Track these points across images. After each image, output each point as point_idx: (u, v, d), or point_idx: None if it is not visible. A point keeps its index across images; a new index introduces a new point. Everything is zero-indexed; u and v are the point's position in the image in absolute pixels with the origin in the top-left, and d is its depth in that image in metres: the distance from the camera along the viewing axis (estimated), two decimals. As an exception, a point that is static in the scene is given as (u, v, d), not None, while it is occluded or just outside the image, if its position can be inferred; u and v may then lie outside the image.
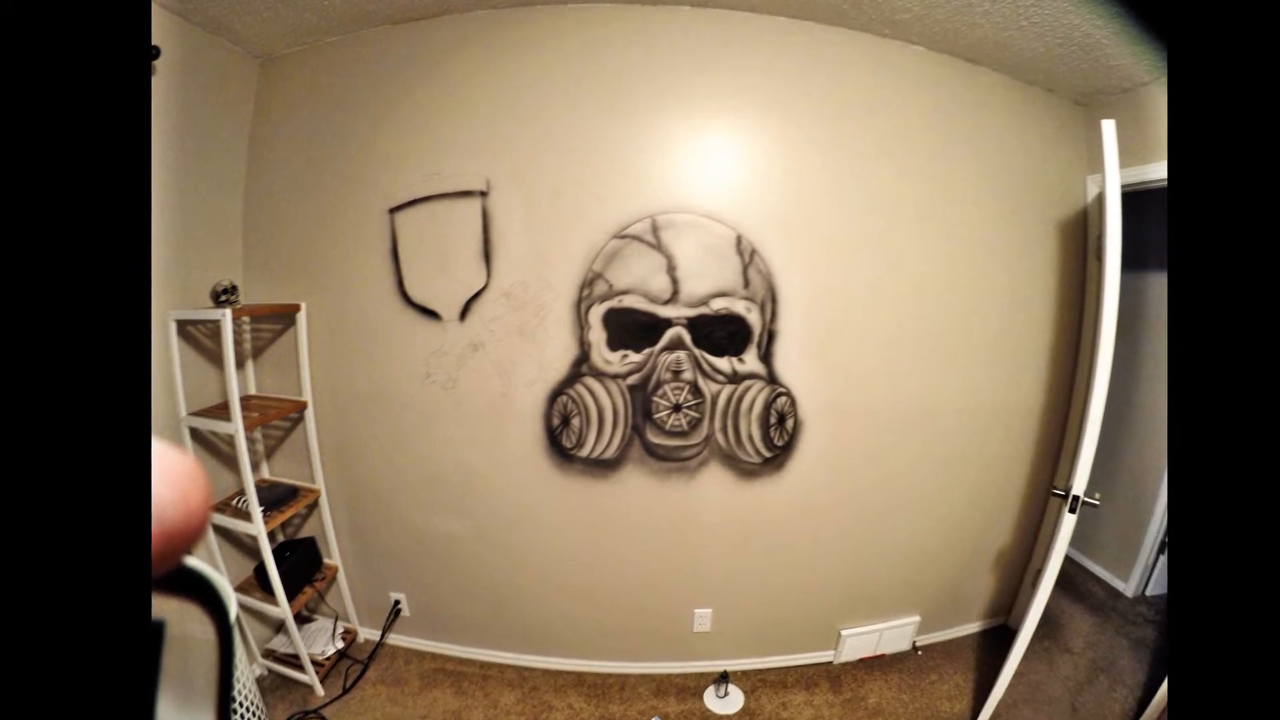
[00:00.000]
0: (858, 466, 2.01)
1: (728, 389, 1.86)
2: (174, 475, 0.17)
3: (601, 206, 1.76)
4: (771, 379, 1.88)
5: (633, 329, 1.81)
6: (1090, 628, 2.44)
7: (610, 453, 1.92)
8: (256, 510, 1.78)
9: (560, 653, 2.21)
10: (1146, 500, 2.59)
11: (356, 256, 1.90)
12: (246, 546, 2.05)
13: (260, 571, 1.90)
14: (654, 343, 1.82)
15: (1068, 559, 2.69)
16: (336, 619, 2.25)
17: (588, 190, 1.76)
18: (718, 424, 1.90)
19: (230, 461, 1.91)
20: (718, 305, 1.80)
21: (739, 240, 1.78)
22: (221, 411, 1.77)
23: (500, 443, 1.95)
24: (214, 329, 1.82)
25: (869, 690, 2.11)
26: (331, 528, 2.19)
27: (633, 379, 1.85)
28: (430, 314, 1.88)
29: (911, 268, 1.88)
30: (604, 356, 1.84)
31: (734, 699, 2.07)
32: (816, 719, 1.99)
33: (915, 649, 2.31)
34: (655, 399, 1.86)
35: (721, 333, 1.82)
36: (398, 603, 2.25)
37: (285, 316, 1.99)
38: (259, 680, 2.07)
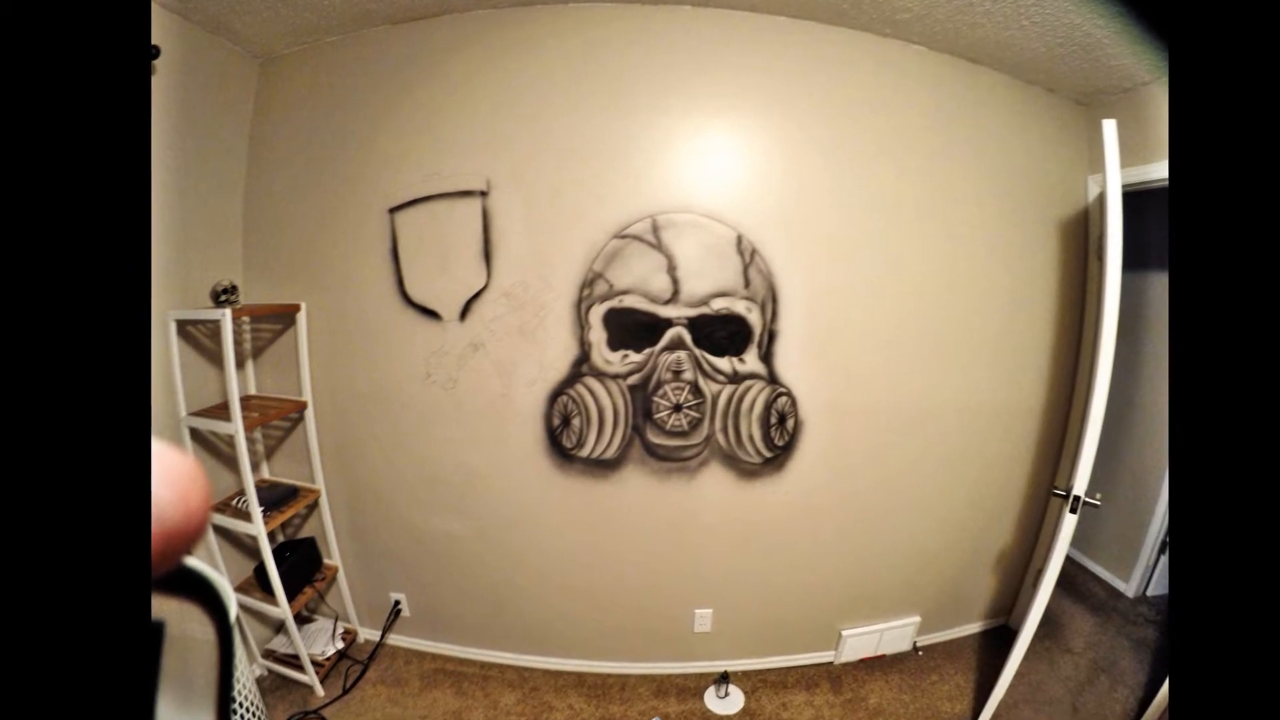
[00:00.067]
0: (858, 466, 2.01)
1: (728, 389, 1.86)
2: (174, 475, 0.17)
3: (602, 206, 1.76)
4: (772, 379, 1.88)
5: (633, 329, 1.81)
6: (1091, 628, 2.44)
7: (611, 453, 1.92)
8: (256, 510, 1.78)
9: (561, 653, 2.21)
10: (1147, 500, 2.59)
11: (356, 256, 1.90)
12: (246, 547, 2.05)
13: (260, 572, 1.90)
14: (654, 343, 1.82)
15: (1068, 559, 2.68)
16: (336, 619, 2.25)
17: (588, 190, 1.76)
18: (718, 424, 1.90)
19: (230, 461, 1.91)
20: (718, 305, 1.80)
21: (739, 240, 1.78)
22: (221, 411, 1.77)
23: (500, 443, 1.95)
24: (214, 329, 1.82)
25: (870, 691, 2.11)
26: (331, 528, 2.19)
27: (633, 379, 1.85)
28: (430, 314, 1.88)
29: (912, 267, 1.88)
30: (604, 356, 1.84)
31: (734, 699, 2.07)
32: (817, 719, 1.99)
33: (916, 649, 2.30)
34: (656, 399, 1.86)
35: (722, 333, 1.82)
36: (398, 603, 2.25)
37: (285, 316, 1.99)
38: (259, 680, 2.07)
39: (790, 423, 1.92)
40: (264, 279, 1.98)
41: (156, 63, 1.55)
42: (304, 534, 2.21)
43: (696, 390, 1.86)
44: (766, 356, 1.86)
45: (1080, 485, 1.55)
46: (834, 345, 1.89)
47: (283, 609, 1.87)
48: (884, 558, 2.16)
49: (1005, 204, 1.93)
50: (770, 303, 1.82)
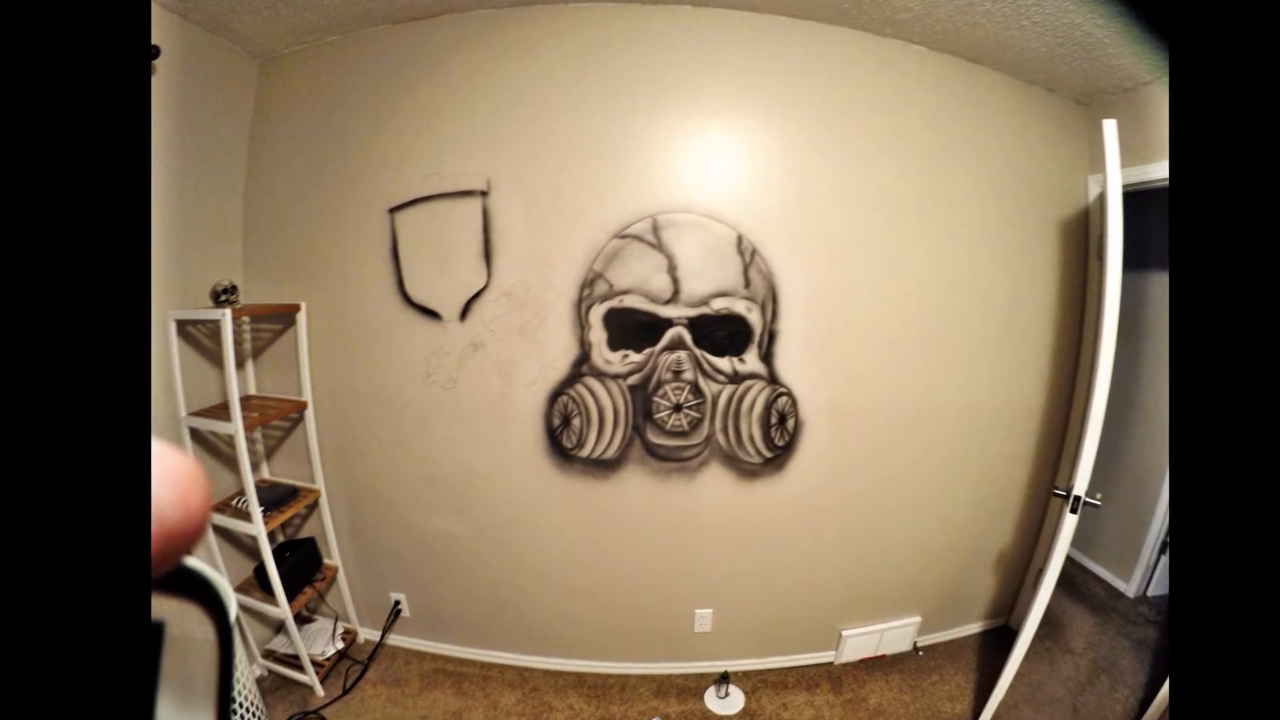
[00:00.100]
0: (859, 466, 2.01)
1: (728, 389, 1.86)
2: (174, 475, 0.17)
3: (602, 206, 1.76)
4: (772, 379, 1.88)
5: (633, 329, 1.81)
6: (1092, 628, 2.44)
7: (611, 453, 1.92)
8: (256, 510, 1.78)
9: (561, 653, 2.21)
10: (1148, 500, 2.59)
11: (356, 256, 1.90)
12: (246, 547, 2.05)
13: (260, 572, 1.90)
14: (655, 343, 1.82)
15: (1069, 559, 2.69)
16: (336, 619, 2.25)
17: (588, 190, 1.76)
18: (718, 424, 1.89)
19: (230, 461, 1.91)
20: (718, 305, 1.80)
21: (740, 240, 1.78)
22: (221, 411, 1.77)
23: (501, 443, 1.95)
24: (214, 329, 1.82)
25: (870, 691, 2.11)
26: (331, 528, 2.19)
27: (633, 379, 1.85)
28: (430, 314, 1.88)
29: (913, 267, 1.88)
30: (604, 356, 1.84)
31: (735, 699, 2.07)
32: (817, 719, 1.99)
33: (916, 649, 2.30)
34: (656, 399, 1.86)
35: (722, 333, 1.82)
36: (398, 603, 2.25)
37: (285, 316, 1.99)
38: (259, 681, 2.07)
39: (791, 423, 1.92)
40: (264, 279, 1.98)
41: (156, 63, 1.55)
42: (304, 534, 2.21)
43: (697, 390, 1.86)
44: (767, 356, 1.86)
45: (1081, 485, 1.55)
46: (834, 345, 1.89)
47: (283, 609, 1.87)
48: (884, 558, 2.16)
49: (1006, 204, 1.93)
50: (771, 303, 1.82)
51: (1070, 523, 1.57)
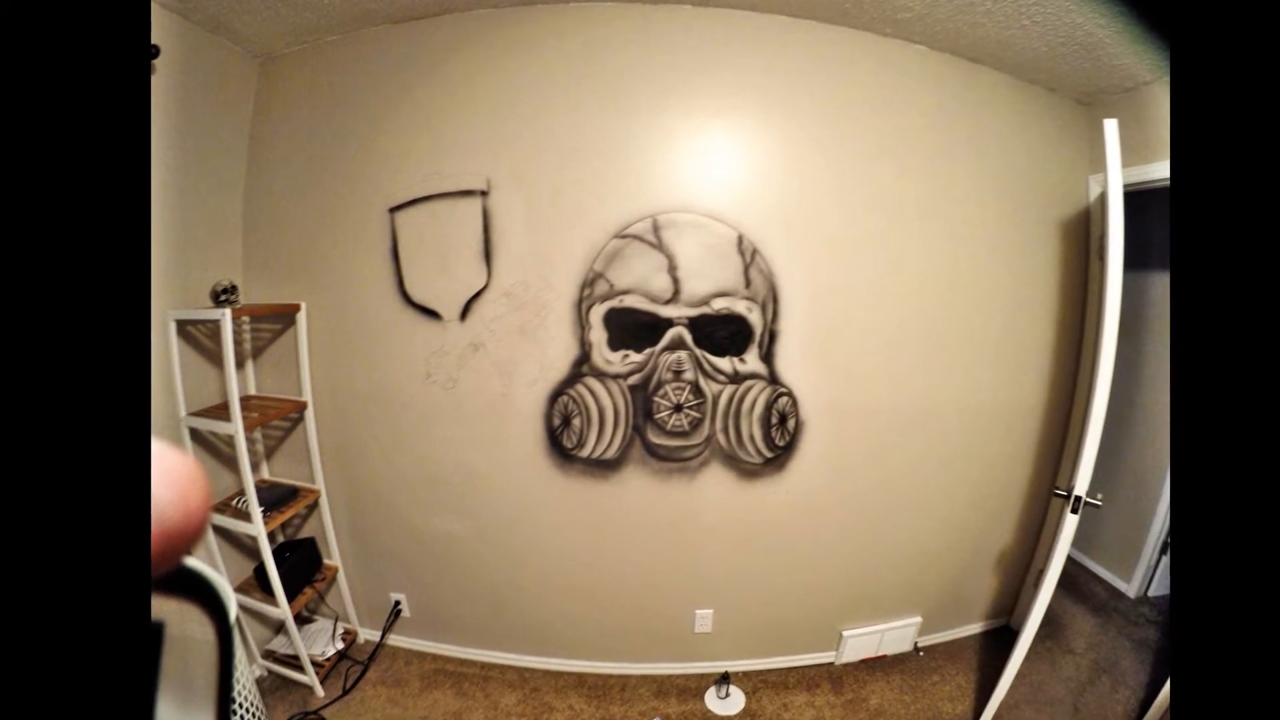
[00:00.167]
0: (859, 466, 2.01)
1: (729, 389, 1.86)
2: (174, 476, 0.17)
3: (602, 206, 1.76)
4: (773, 379, 1.87)
5: (634, 329, 1.81)
6: (1092, 628, 2.44)
7: (611, 453, 1.92)
8: (256, 511, 1.78)
9: (561, 653, 2.21)
10: (1149, 500, 2.59)
11: (356, 256, 1.90)
12: (246, 547, 2.05)
13: (260, 572, 1.90)
14: (655, 343, 1.82)
15: (1070, 559, 2.69)
16: (336, 620, 2.25)
17: (589, 189, 1.76)
18: (719, 424, 1.89)
19: (230, 462, 1.91)
20: (719, 305, 1.80)
21: (740, 240, 1.77)
22: (221, 411, 1.77)
23: (501, 443, 1.95)
24: (214, 329, 1.82)
25: (870, 691, 2.11)
26: (331, 528, 2.19)
27: (634, 379, 1.85)
28: (431, 314, 1.88)
29: (913, 267, 1.88)
30: (605, 356, 1.84)
31: (735, 700, 2.07)
32: (818, 719, 1.99)
33: (917, 650, 2.30)
34: (656, 399, 1.86)
35: (723, 332, 1.82)
36: (398, 603, 2.25)
37: (285, 316, 1.99)
38: (259, 681, 2.07)
39: (791, 423, 1.92)
40: (264, 279, 1.98)
41: (156, 63, 1.55)
42: (304, 534, 2.21)
43: (697, 390, 1.86)
44: (767, 356, 1.86)
45: (1081, 485, 1.55)
46: (835, 345, 1.89)
47: (283, 609, 1.87)
48: (885, 558, 2.15)
49: (1006, 203, 1.93)
50: (771, 302, 1.82)
51: (1071, 523, 1.57)
